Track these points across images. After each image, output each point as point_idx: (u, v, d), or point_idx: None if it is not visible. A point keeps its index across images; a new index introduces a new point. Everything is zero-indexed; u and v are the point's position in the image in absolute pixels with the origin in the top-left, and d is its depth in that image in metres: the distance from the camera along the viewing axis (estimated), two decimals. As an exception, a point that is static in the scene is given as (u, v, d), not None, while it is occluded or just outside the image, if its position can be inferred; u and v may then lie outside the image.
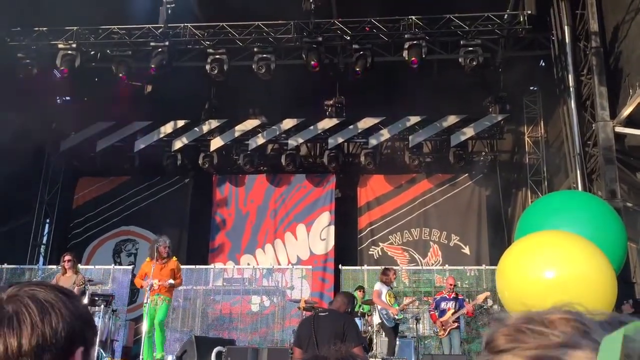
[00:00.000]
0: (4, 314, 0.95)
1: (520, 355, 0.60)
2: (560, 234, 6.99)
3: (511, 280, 6.70)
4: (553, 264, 6.33)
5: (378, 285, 9.70)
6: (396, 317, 9.42)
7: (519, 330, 0.62)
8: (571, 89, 12.23)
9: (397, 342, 9.76)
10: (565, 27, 12.38)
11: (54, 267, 12.67)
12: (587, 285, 6.16)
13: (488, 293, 10.89)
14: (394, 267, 10.69)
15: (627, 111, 10.54)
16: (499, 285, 7.10)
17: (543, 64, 14.33)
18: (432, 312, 10.41)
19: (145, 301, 8.26)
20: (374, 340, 9.53)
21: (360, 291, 11.34)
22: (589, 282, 6.20)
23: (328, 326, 5.44)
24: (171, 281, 8.36)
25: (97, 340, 8.51)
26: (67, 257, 8.81)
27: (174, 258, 8.71)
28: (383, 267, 10.73)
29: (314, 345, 5.29)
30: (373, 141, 15.04)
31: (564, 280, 6.16)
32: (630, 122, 10.82)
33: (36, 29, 13.20)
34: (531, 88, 15.44)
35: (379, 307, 9.41)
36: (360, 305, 10.78)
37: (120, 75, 13.28)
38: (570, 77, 12.25)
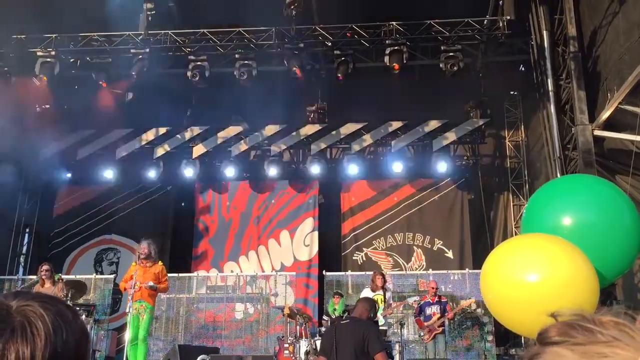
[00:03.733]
0: (14, 323, 0.95)
1: (569, 348, 0.66)
2: (543, 237, 7.03)
3: (494, 283, 6.74)
4: (535, 267, 6.37)
5: (363, 293, 9.62)
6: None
7: (570, 326, 0.67)
8: (550, 93, 12.36)
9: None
10: (544, 32, 12.52)
11: (34, 277, 12.48)
12: (568, 289, 6.20)
13: (473, 300, 10.92)
14: (381, 271, 10.49)
15: (605, 114, 10.68)
16: (483, 288, 7.12)
17: (523, 69, 14.45)
18: (417, 318, 10.40)
19: (127, 310, 8.08)
20: None
21: (336, 297, 11.32)
22: (571, 286, 6.25)
23: (349, 335, 5.51)
24: (151, 283, 7.99)
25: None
26: (44, 267, 8.65)
27: (160, 262, 8.45)
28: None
29: (335, 355, 5.41)
30: (356, 147, 15.06)
31: (546, 284, 6.20)
32: (608, 125, 10.96)
33: (14, 36, 13.05)
34: (511, 92, 15.58)
35: None
36: (334, 309, 10.88)
37: (101, 82, 13.18)
38: (550, 82, 12.38)
